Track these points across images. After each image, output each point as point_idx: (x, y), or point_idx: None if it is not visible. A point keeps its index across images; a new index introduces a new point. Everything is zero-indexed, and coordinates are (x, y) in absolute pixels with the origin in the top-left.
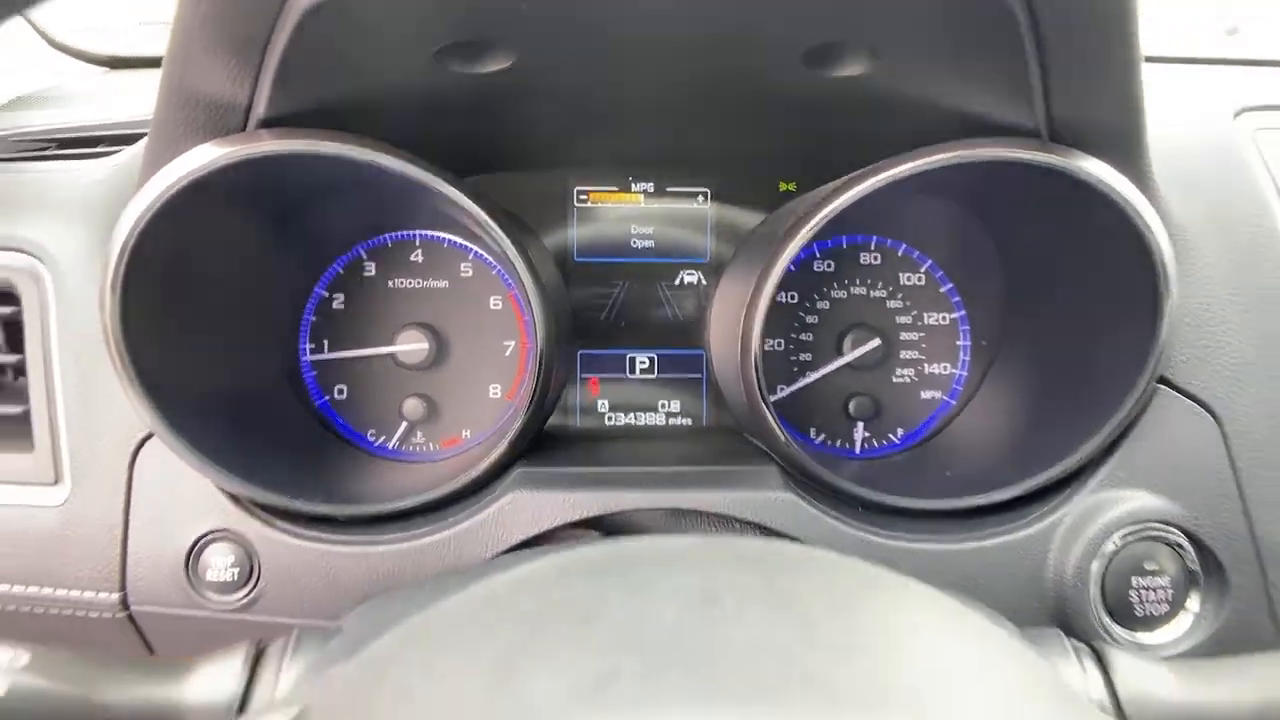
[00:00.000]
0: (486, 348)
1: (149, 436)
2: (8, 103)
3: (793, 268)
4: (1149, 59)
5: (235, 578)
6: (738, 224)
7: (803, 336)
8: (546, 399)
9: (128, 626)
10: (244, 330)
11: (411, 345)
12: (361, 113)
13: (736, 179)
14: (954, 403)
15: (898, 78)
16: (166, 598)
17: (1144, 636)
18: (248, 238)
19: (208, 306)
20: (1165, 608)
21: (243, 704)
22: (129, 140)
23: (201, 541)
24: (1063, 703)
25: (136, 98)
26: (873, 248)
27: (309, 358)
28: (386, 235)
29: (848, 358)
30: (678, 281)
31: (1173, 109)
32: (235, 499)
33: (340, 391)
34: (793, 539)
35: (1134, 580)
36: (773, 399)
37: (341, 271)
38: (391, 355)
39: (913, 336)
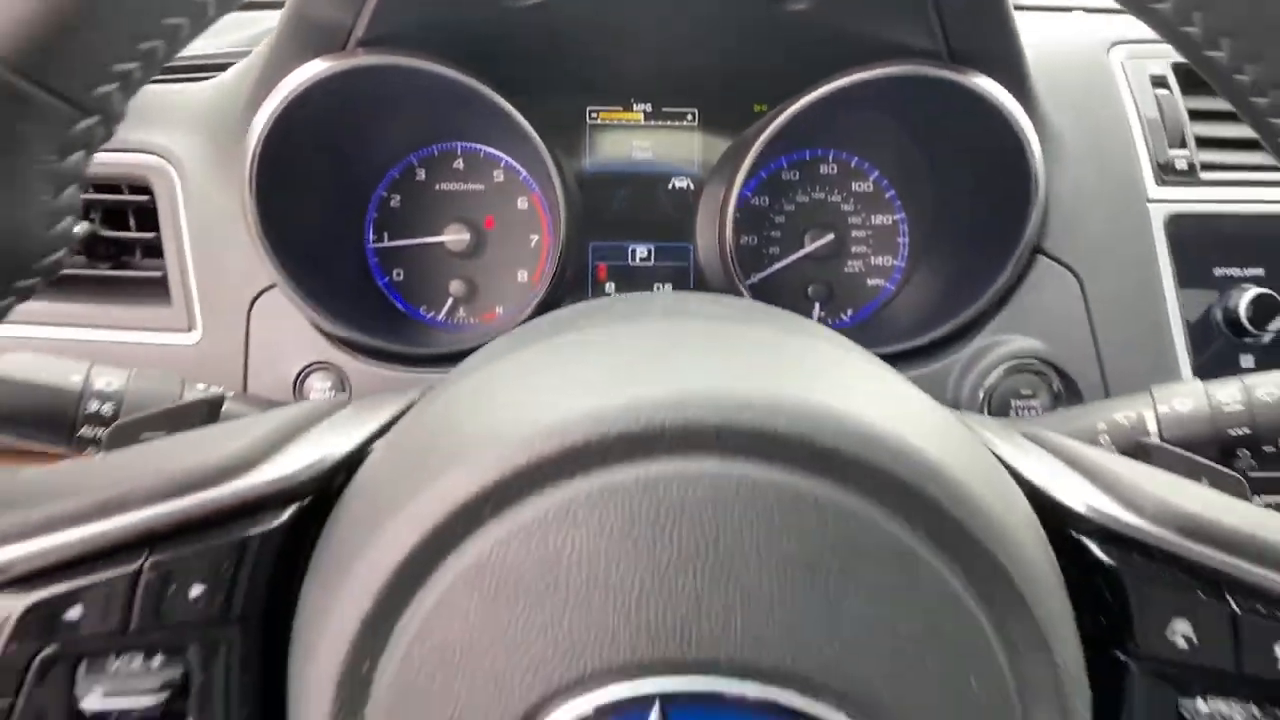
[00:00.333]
0: (515, 240)
1: (262, 291)
2: None
3: (764, 175)
4: (1040, 7)
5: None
6: (719, 139)
7: (772, 233)
8: (564, 281)
9: None
10: (331, 216)
11: (455, 236)
12: (434, 38)
13: (718, 101)
14: (893, 288)
15: (834, 12)
16: None
17: None
18: (335, 142)
19: (308, 194)
20: None
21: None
22: (223, 67)
23: (305, 371)
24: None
25: (226, 36)
26: (830, 160)
27: (372, 245)
28: (434, 146)
29: (807, 250)
30: (670, 187)
31: (1060, 42)
32: (331, 338)
33: (398, 274)
34: None
35: (1013, 402)
36: (747, 283)
37: (397, 176)
38: (440, 244)
39: (862, 234)
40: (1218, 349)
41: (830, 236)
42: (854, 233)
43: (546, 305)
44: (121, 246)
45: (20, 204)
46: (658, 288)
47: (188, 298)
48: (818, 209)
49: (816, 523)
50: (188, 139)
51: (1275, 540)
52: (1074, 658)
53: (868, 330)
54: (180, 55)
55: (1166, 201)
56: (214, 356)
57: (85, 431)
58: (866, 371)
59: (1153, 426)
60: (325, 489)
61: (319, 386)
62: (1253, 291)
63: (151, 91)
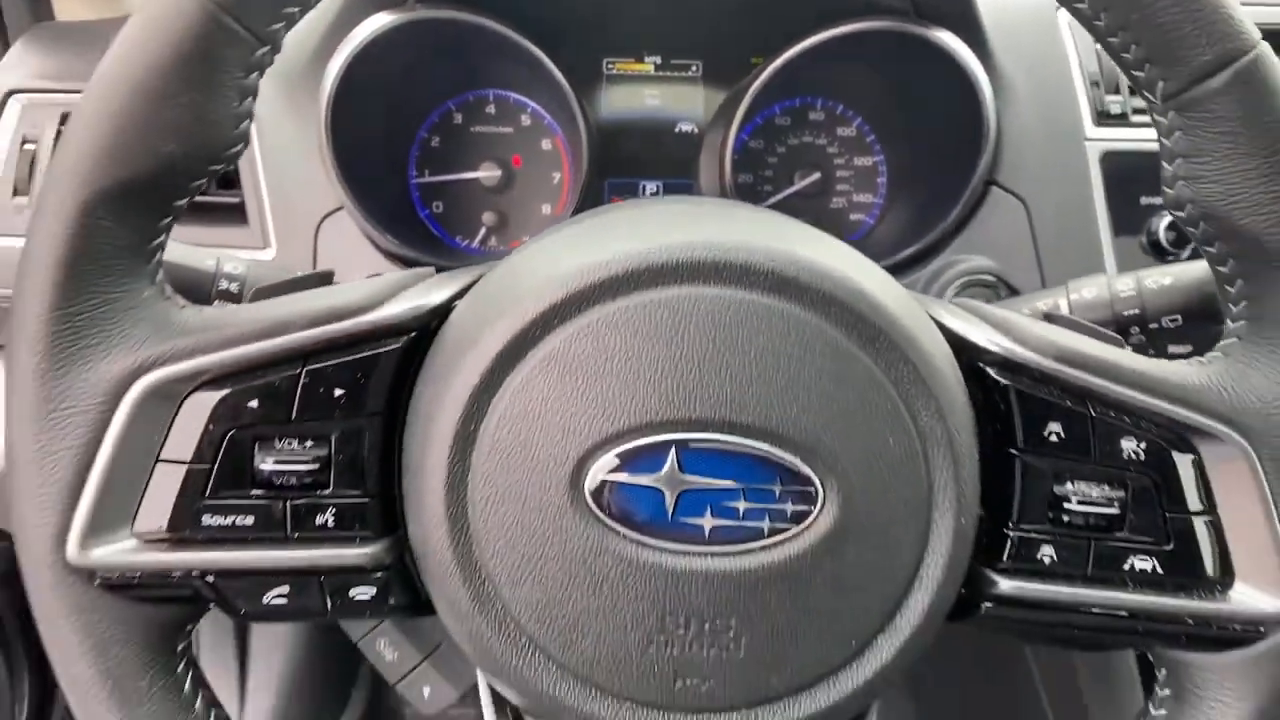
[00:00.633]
0: (540, 178)
1: (327, 215)
2: None
3: (760, 121)
4: None
5: None
6: (720, 88)
7: (766, 172)
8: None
9: None
10: (382, 153)
11: (487, 172)
12: None
13: (719, 55)
14: (873, 222)
15: None
16: None
17: None
18: (388, 87)
19: (366, 133)
20: None
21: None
22: None
23: None
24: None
25: None
26: (818, 107)
27: (415, 181)
28: (469, 93)
29: (796, 187)
30: (676, 131)
31: (1016, 3)
32: (386, 254)
33: (437, 206)
34: None
35: None
36: None
37: (437, 119)
38: (474, 180)
39: (846, 174)
40: (1140, 266)
41: (817, 175)
42: (838, 172)
43: None
44: None
45: (219, 107)
46: None
47: (263, 220)
48: (807, 151)
49: (782, 329)
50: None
51: (1125, 364)
52: (965, 428)
53: None
54: None
55: (1102, 140)
56: (287, 270)
57: (218, 304)
58: (823, 236)
59: (1065, 309)
60: (425, 326)
61: None
62: (1170, 218)
63: None
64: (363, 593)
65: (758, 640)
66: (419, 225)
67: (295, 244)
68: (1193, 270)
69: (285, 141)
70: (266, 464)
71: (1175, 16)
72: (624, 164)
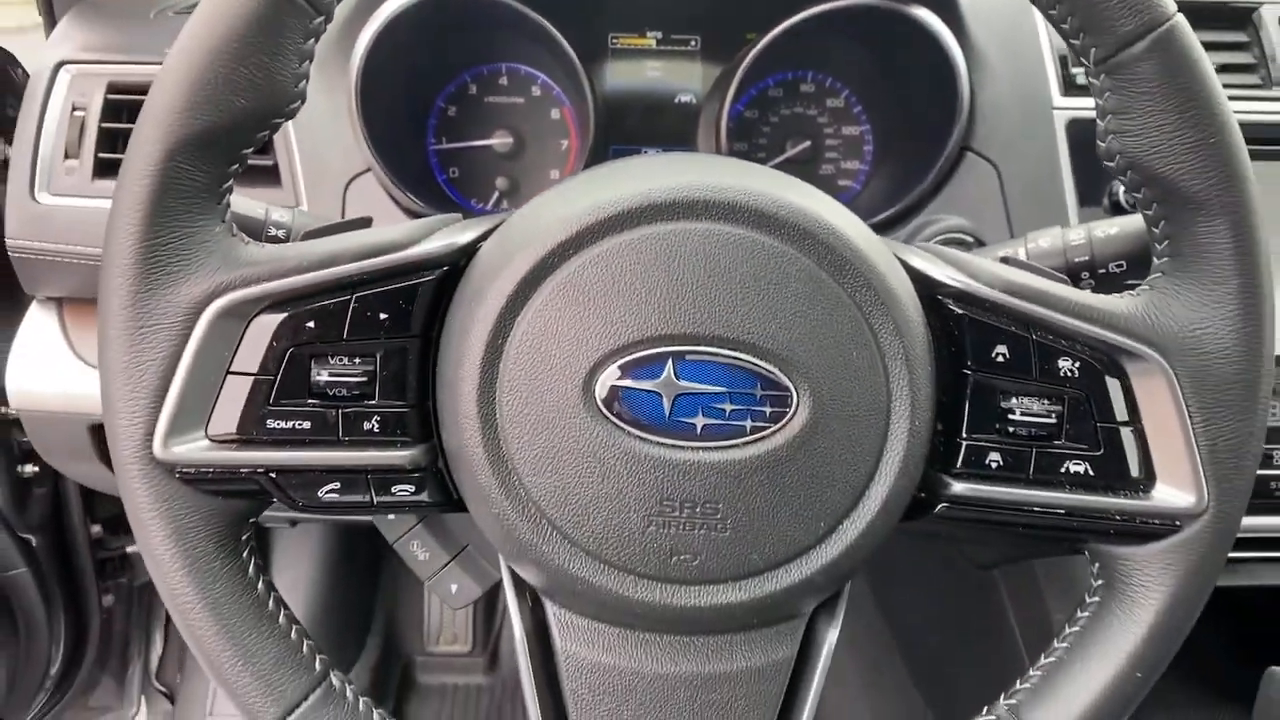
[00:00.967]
0: (548, 145)
1: (355, 177)
2: None
3: (754, 93)
4: None
5: None
6: (717, 62)
7: (759, 141)
8: None
9: None
10: (404, 120)
11: (500, 140)
12: None
13: (717, 30)
14: (859, 188)
15: None
16: None
17: None
18: (409, 59)
19: (390, 102)
20: None
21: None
22: None
23: None
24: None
25: None
26: (809, 80)
27: (433, 147)
28: (483, 65)
29: (787, 154)
30: (676, 101)
31: None
32: (408, 213)
33: (454, 172)
34: None
35: None
36: None
37: (453, 90)
38: (488, 147)
39: (834, 143)
40: None
41: (807, 143)
42: (827, 141)
43: None
44: None
45: (283, 68)
46: None
47: (294, 181)
48: (798, 121)
49: (763, 258)
50: None
51: (1063, 295)
52: (920, 345)
53: None
54: None
55: (1068, 109)
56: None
57: None
58: (800, 183)
59: (1023, 256)
60: (455, 262)
61: None
62: None
63: None
64: (403, 490)
65: (741, 522)
66: (437, 188)
67: (325, 203)
68: (1136, 221)
69: (315, 110)
70: (321, 377)
71: None
72: (627, 132)
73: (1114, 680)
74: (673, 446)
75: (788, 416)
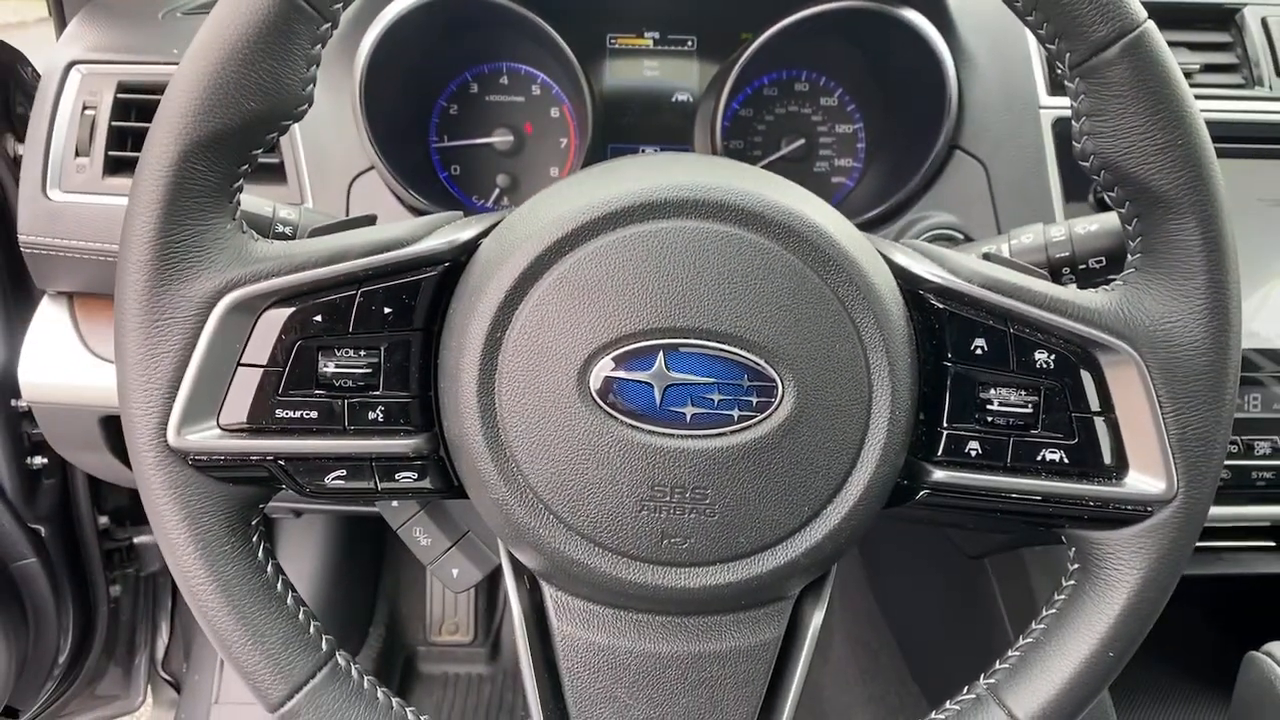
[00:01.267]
0: (548, 143)
1: (359, 174)
2: None
3: (749, 91)
4: None
5: None
6: (713, 62)
7: (755, 139)
8: None
9: None
10: (406, 119)
11: (501, 138)
12: None
13: (713, 30)
14: (852, 184)
15: None
16: None
17: None
18: (412, 59)
19: (393, 101)
20: None
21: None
22: None
23: None
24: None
25: None
26: (803, 79)
27: (435, 145)
28: (484, 65)
29: (782, 152)
30: (673, 100)
31: None
32: (411, 210)
33: (455, 169)
34: None
35: None
36: None
37: (455, 89)
38: (488, 144)
39: (828, 140)
40: None
41: (801, 141)
42: (821, 139)
43: None
44: None
45: (292, 72)
46: None
47: (300, 179)
48: (792, 119)
49: (750, 255)
50: None
51: (1040, 290)
52: (900, 338)
53: None
54: None
55: (1054, 108)
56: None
57: None
58: (787, 183)
59: (1006, 252)
60: (457, 258)
61: None
62: None
63: None
64: (406, 476)
65: (729, 507)
66: (439, 185)
67: (329, 200)
68: (1115, 218)
69: (320, 109)
70: (328, 368)
71: None
72: (625, 130)
73: (1088, 659)
74: (664, 435)
75: (773, 406)
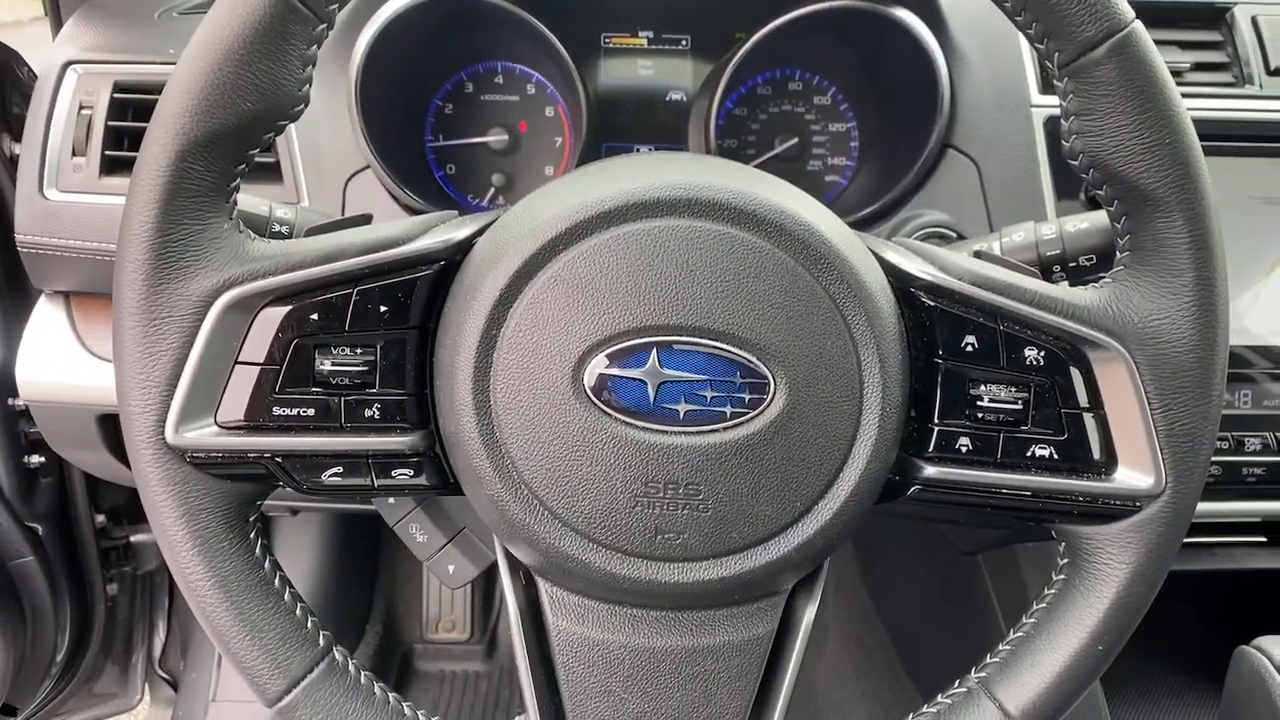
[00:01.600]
0: (543, 142)
1: (355, 173)
2: None
3: (743, 90)
4: None
5: None
6: (707, 61)
7: (749, 137)
8: None
9: None
10: (402, 119)
11: (496, 137)
12: None
13: (707, 30)
14: (846, 183)
15: None
16: None
17: None
18: (407, 59)
19: (388, 100)
20: None
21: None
22: None
23: None
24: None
25: None
26: (797, 78)
27: (430, 144)
28: (479, 64)
29: (776, 151)
30: (668, 99)
31: None
32: (406, 209)
33: (450, 168)
34: None
35: None
36: None
37: (450, 88)
38: (484, 143)
39: (822, 139)
40: None
41: (795, 140)
42: (815, 138)
43: None
44: None
45: (288, 73)
46: None
47: (296, 178)
48: (786, 118)
49: (742, 253)
50: None
51: (1029, 288)
52: (891, 335)
53: None
54: None
55: (1045, 106)
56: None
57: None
58: (779, 182)
59: (997, 250)
60: (453, 256)
61: None
62: None
63: None
64: (402, 473)
65: (722, 502)
66: (434, 185)
67: (325, 199)
68: (1105, 216)
69: (316, 109)
70: (325, 366)
71: None
72: (620, 129)
73: (1078, 652)
74: (657, 431)
75: (765, 403)
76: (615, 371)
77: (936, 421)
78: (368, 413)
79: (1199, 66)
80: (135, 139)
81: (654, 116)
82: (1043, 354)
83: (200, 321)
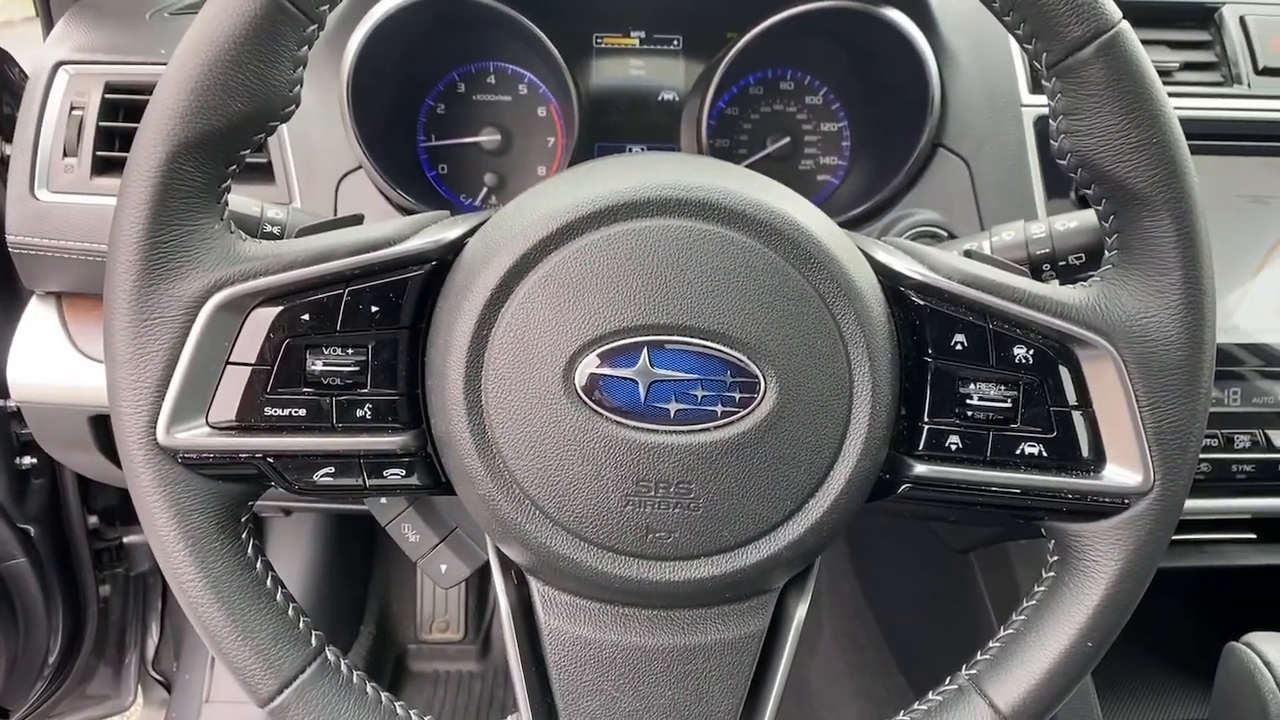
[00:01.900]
0: (535, 142)
1: (347, 173)
2: None
3: (735, 90)
4: None
5: None
6: (698, 61)
7: (740, 137)
8: None
9: None
10: (394, 118)
11: (488, 137)
12: None
13: (699, 30)
14: (837, 182)
15: None
16: None
17: None
18: (399, 59)
19: (380, 101)
20: None
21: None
22: None
23: None
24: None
25: None
26: (788, 78)
27: (423, 144)
28: (471, 64)
29: (768, 150)
30: (660, 99)
31: None
32: (399, 209)
33: (443, 168)
34: None
35: None
36: None
37: (442, 88)
38: (476, 143)
39: (813, 139)
40: None
41: (786, 140)
42: (806, 137)
43: None
44: None
45: (279, 74)
46: None
47: (288, 178)
48: (778, 118)
49: (732, 253)
50: None
51: (1018, 287)
52: (881, 334)
53: None
54: None
55: (1035, 106)
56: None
57: None
58: (769, 181)
59: (987, 249)
60: (444, 256)
61: None
62: None
63: None
64: (394, 473)
65: (712, 501)
66: (426, 184)
67: (317, 199)
68: (1094, 215)
69: (308, 109)
70: (316, 366)
71: None
72: (612, 129)
73: (1067, 649)
74: (648, 430)
75: (756, 402)
76: (606, 371)
77: (926, 420)
78: (359, 413)
79: (1188, 66)
80: (126, 140)
81: (646, 116)
82: (1032, 352)
83: (191, 322)
